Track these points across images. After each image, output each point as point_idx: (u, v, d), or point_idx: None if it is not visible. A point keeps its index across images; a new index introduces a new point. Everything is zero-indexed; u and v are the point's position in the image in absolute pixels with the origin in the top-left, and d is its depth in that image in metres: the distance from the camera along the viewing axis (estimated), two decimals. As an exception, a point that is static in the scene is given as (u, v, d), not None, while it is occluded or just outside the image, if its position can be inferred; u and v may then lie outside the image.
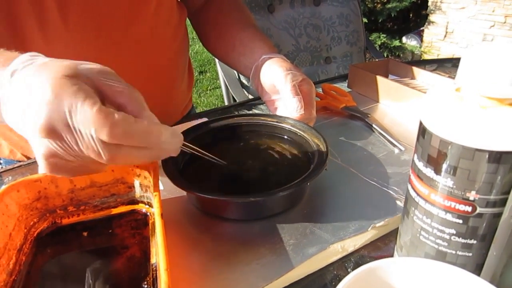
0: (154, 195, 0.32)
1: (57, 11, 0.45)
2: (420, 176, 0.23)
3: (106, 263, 0.33)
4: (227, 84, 1.18)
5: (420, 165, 0.23)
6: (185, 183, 0.36)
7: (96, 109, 0.26)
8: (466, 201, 0.21)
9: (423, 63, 0.89)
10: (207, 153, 0.40)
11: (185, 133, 0.45)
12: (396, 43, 3.10)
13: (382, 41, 3.09)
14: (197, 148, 0.38)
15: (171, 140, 0.30)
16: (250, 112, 0.66)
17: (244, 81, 1.20)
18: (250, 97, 1.18)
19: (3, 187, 0.35)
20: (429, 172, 0.22)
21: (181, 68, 0.64)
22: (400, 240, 0.27)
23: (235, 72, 1.20)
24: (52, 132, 0.27)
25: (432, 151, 0.21)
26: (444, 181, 0.21)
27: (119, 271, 0.32)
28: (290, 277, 0.32)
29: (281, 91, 0.49)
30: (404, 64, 0.71)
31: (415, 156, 0.23)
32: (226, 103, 1.25)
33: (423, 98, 0.20)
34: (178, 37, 0.61)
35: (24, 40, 0.46)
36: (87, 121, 0.26)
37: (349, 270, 0.34)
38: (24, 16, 0.44)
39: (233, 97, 1.20)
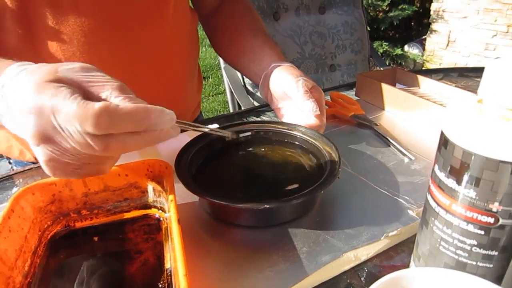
0: (170, 201, 0.32)
1: (73, 11, 0.46)
2: (441, 186, 0.23)
3: (119, 268, 0.33)
4: (232, 90, 1.18)
5: (441, 175, 0.23)
6: (200, 189, 0.36)
7: (77, 104, 0.26)
8: (488, 212, 0.21)
9: (429, 72, 0.90)
10: (204, 127, 0.39)
11: (197, 138, 0.46)
12: (398, 51, 3.11)
13: (384, 49, 3.11)
14: (194, 123, 0.37)
15: (162, 118, 0.29)
16: (259, 119, 0.66)
17: (250, 87, 1.20)
18: (255, 103, 1.18)
19: (19, 189, 0.35)
20: (451, 182, 0.22)
21: (192, 71, 0.64)
22: (418, 250, 0.28)
23: (241, 78, 1.21)
24: (43, 138, 0.27)
25: (454, 162, 0.22)
26: (467, 192, 0.21)
27: (133, 276, 0.32)
28: (304, 285, 0.32)
29: (293, 97, 0.49)
30: (411, 73, 0.72)
31: (436, 166, 0.24)
32: (231, 109, 1.25)
33: (444, 109, 0.20)
34: (190, 41, 0.62)
35: (38, 40, 0.46)
36: (70, 117, 0.26)
37: (362, 279, 0.34)
38: (40, 14, 0.45)
39: (238, 103, 1.21)
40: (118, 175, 0.38)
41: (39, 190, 0.36)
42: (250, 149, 0.48)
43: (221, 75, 2.91)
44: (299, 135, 0.47)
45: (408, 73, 0.72)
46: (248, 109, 0.73)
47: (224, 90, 2.71)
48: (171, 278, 0.31)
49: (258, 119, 0.66)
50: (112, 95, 0.28)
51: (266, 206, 0.34)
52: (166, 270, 0.32)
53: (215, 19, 0.66)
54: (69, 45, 0.47)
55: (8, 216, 0.32)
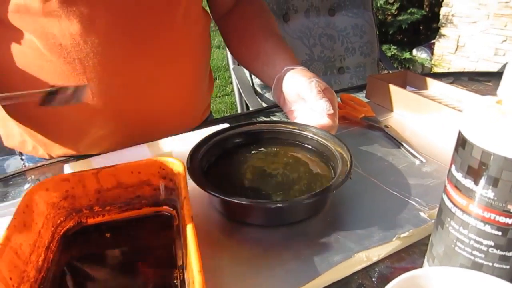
0: (183, 198, 0.33)
1: (87, 11, 0.46)
2: (458, 186, 0.23)
3: (131, 264, 0.34)
4: (241, 91, 1.19)
5: (458, 176, 0.23)
6: (212, 187, 0.37)
7: None
8: (506, 213, 0.21)
9: (439, 76, 0.89)
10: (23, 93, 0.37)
11: (208, 138, 0.46)
12: (407, 55, 3.10)
13: (393, 53, 3.09)
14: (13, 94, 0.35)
15: None
16: (268, 119, 0.66)
17: (258, 88, 1.20)
18: (264, 104, 1.18)
19: (33, 185, 0.35)
20: (468, 183, 0.22)
21: (203, 72, 0.65)
22: (432, 251, 0.27)
23: (249, 79, 1.21)
24: None
25: (472, 162, 0.21)
26: (484, 192, 0.21)
27: (146, 273, 0.32)
28: (315, 284, 0.32)
29: (306, 97, 0.49)
30: (422, 76, 0.71)
31: (453, 167, 0.24)
32: (239, 110, 1.26)
33: (460, 111, 0.20)
34: (202, 42, 0.62)
35: (53, 39, 0.47)
36: None
37: (373, 279, 0.34)
38: (57, 14, 0.46)
39: (246, 104, 1.21)
40: (131, 172, 0.38)
41: (53, 186, 0.36)
42: (261, 149, 0.48)
43: (228, 77, 2.92)
44: (311, 136, 0.47)
45: (418, 76, 0.72)
46: (257, 110, 0.73)
47: (231, 91, 2.72)
48: (183, 275, 0.31)
49: (268, 119, 0.66)
50: None
51: (279, 205, 0.34)
52: (179, 267, 0.32)
53: (229, 19, 0.66)
54: (83, 46, 0.48)
55: (22, 211, 0.32)
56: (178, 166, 0.37)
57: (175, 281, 0.31)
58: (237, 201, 0.35)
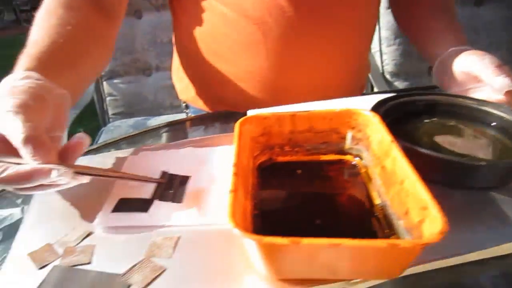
0: (390, 141, 0.34)
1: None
2: None
3: (327, 198, 0.37)
4: (370, 76, 1.17)
5: None
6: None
7: None
8: None
9: None
10: (107, 173, 0.39)
11: (383, 101, 0.47)
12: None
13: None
14: (97, 168, 0.38)
15: (49, 178, 0.30)
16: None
17: (388, 76, 1.18)
18: (393, 93, 1.15)
19: (241, 119, 0.40)
20: None
21: (367, 52, 0.68)
22: None
23: (380, 66, 1.19)
24: None
25: None
26: None
27: (344, 205, 0.35)
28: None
29: (481, 75, 0.47)
30: None
31: None
32: (364, 97, 1.24)
33: None
34: (369, 26, 0.65)
35: (244, 11, 0.54)
36: None
37: None
38: None
39: (372, 90, 1.19)
40: (323, 118, 0.41)
41: (255, 121, 0.41)
42: (435, 119, 0.47)
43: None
44: (493, 111, 0.45)
45: None
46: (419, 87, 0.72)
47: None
48: (384, 211, 0.33)
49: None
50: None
51: (482, 163, 0.34)
52: (377, 205, 0.34)
53: None
54: (268, 18, 0.54)
55: (237, 139, 0.37)
56: (371, 117, 0.39)
57: (376, 214, 0.33)
58: (439, 155, 0.35)
